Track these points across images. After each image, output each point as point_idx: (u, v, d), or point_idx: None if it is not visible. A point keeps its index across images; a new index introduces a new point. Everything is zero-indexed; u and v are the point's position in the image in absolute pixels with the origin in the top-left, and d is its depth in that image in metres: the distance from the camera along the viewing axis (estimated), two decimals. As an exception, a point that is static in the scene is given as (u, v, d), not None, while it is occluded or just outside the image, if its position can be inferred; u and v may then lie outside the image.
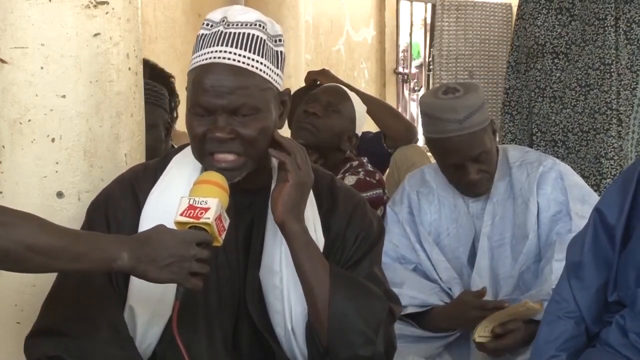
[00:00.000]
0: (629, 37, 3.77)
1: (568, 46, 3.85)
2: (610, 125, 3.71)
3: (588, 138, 3.79)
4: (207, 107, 2.04)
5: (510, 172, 2.92)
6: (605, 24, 3.75)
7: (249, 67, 2.04)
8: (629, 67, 3.75)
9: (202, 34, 2.09)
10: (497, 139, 2.96)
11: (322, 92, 3.51)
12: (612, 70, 3.71)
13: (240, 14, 2.09)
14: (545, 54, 3.89)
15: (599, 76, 3.76)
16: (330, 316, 2.06)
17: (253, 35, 2.06)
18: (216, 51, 2.04)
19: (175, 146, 2.54)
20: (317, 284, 2.07)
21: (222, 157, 2.05)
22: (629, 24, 3.78)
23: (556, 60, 3.87)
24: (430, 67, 8.71)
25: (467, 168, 2.83)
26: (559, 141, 3.85)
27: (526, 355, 2.58)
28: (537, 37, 3.89)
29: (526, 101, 4.00)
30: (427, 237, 2.94)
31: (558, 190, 2.88)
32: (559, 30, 3.84)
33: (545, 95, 3.93)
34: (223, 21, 2.08)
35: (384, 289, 2.19)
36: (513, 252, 2.87)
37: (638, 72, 3.76)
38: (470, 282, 2.87)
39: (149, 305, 2.07)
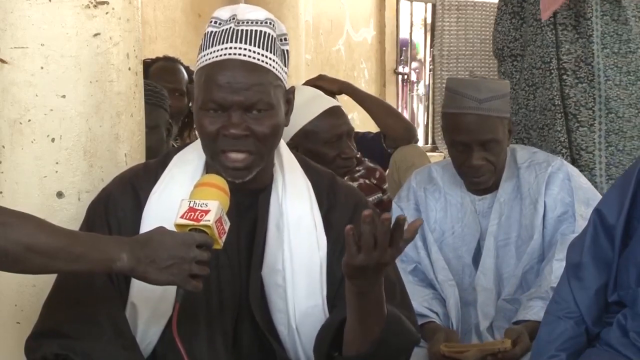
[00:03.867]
0: (578, 31, 3.77)
1: (523, 48, 3.90)
2: (555, 121, 3.73)
3: (544, 134, 3.82)
4: (223, 103, 2.03)
5: (518, 172, 2.93)
6: (542, 24, 3.77)
7: (263, 64, 2.04)
8: (583, 59, 3.75)
9: (211, 32, 2.08)
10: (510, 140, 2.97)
11: (340, 126, 3.23)
12: (551, 68, 3.74)
13: (250, 11, 2.09)
14: (505, 58, 3.94)
15: (541, 74, 3.80)
16: (371, 345, 2.02)
17: (264, 32, 2.06)
18: (229, 47, 2.04)
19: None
20: (365, 327, 2.02)
21: (234, 157, 2.05)
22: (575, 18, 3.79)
23: (515, 63, 3.92)
24: (431, 67, 8.72)
25: (472, 151, 2.83)
26: (525, 139, 3.89)
27: (526, 355, 2.58)
28: (497, 41, 3.96)
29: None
30: (430, 235, 2.94)
31: (565, 191, 2.88)
32: (513, 34, 3.90)
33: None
34: (233, 19, 2.08)
35: (411, 311, 2.18)
36: (517, 252, 2.87)
37: (592, 64, 3.75)
38: (474, 281, 2.87)
39: (150, 304, 2.07)
